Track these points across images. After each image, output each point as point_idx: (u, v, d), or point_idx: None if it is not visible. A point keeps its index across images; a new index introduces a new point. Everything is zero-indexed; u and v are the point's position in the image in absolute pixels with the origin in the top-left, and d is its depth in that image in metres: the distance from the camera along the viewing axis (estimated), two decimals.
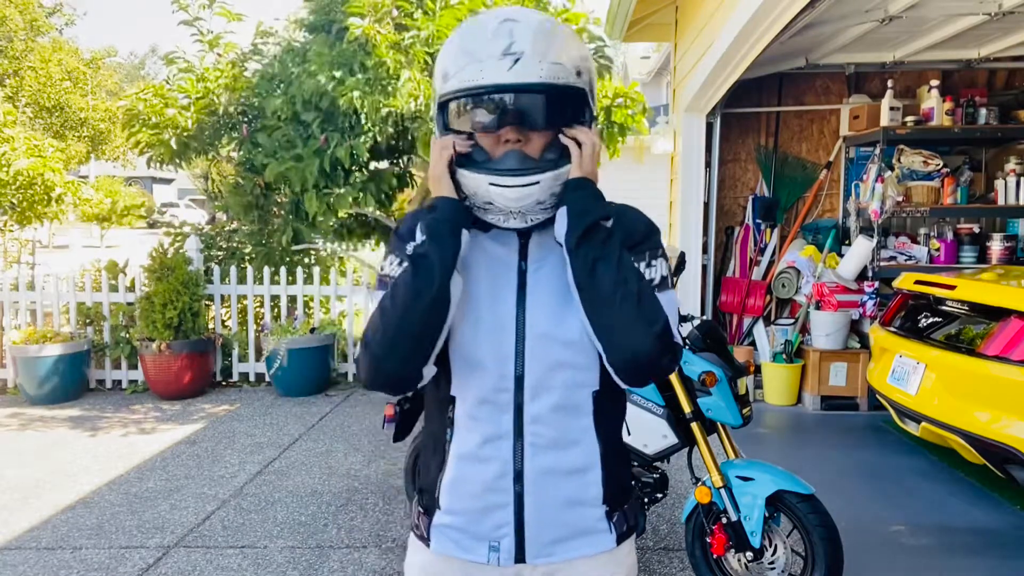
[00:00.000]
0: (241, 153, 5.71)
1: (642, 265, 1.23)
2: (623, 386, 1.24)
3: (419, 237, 1.20)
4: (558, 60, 1.17)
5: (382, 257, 1.30)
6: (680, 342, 1.22)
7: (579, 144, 1.21)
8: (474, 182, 1.20)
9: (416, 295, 1.15)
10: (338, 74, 4.94)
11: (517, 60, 1.14)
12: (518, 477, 1.23)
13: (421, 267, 1.16)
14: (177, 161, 5.80)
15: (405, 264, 1.20)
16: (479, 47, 1.17)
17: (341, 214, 5.37)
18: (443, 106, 1.24)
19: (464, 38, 1.20)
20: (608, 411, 1.27)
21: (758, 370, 5.93)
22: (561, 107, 1.21)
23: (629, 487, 1.36)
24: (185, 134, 5.55)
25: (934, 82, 5.78)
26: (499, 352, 1.22)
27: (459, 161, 1.22)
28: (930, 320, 4.14)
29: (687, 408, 2.77)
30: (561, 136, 1.22)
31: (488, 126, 1.20)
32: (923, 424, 3.88)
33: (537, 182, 1.18)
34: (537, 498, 1.23)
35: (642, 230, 1.28)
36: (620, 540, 1.31)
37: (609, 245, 1.18)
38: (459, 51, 1.19)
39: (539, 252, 1.26)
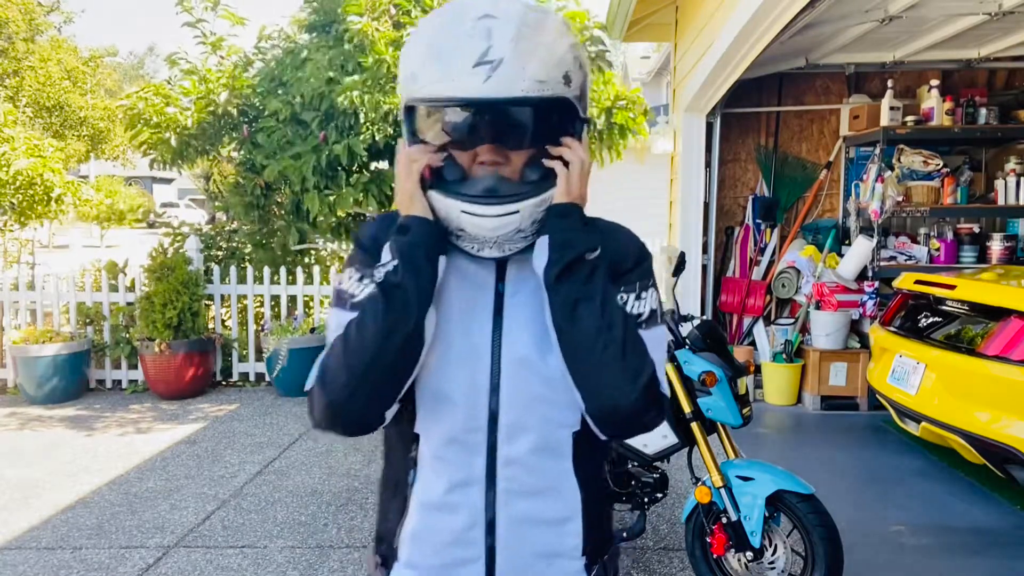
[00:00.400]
0: (242, 153, 5.72)
1: (631, 297, 1.10)
2: (602, 437, 1.10)
3: (387, 260, 1.05)
4: (544, 68, 1.01)
5: (345, 270, 1.13)
6: (667, 392, 1.10)
7: (565, 163, 1.07)
8: (445, 206, 1.06)
9: (388, 333, 1.00)
10: (332, 75, 4.95)
11: (495, 69, 0.98)
12: (490, 528, 1.08)
13: (395, 300, 1.01)
14: (179, 162, 5.80)
15: (372, 291, 1.04)
16: (451, 50, 1.00)
17: (340, 213, 5.38)
18: (411, 109, 1.08)
19: (435, 34, 1.04)
20: (590, 453, 1.13)
21: (758, 370, 5.93)
22: (546, 121, 1.06)
23: (610, 536, 1.23)
24: (186, 132, 5.56)
25: (934, 82, 5.78)
26: (471, 385, 1.07)
27: (428, 179, 1.07)
28: (930, 320, 4.14)
29: (687, 408, 2.77)
30: (545, 160, 1.08)
31: (460, 143, 1.05)
32: (923, 424, 3.89)
33: (516, 211, 1.03)
34: (510, 551, 1.09)
35: (633, 256, 1.14)
36: None
37: (593, 283, 1.04)
38: (428, 50, 1.03)
39: (519, 272, 1.11)
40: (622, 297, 1.09)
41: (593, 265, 1.06)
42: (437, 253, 1.06)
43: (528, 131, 1.05)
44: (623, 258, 1.13)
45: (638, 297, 1.10)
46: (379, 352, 1.01)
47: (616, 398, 1.03)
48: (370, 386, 1.02)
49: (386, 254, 1.07)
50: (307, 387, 1.07)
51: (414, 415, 1.09)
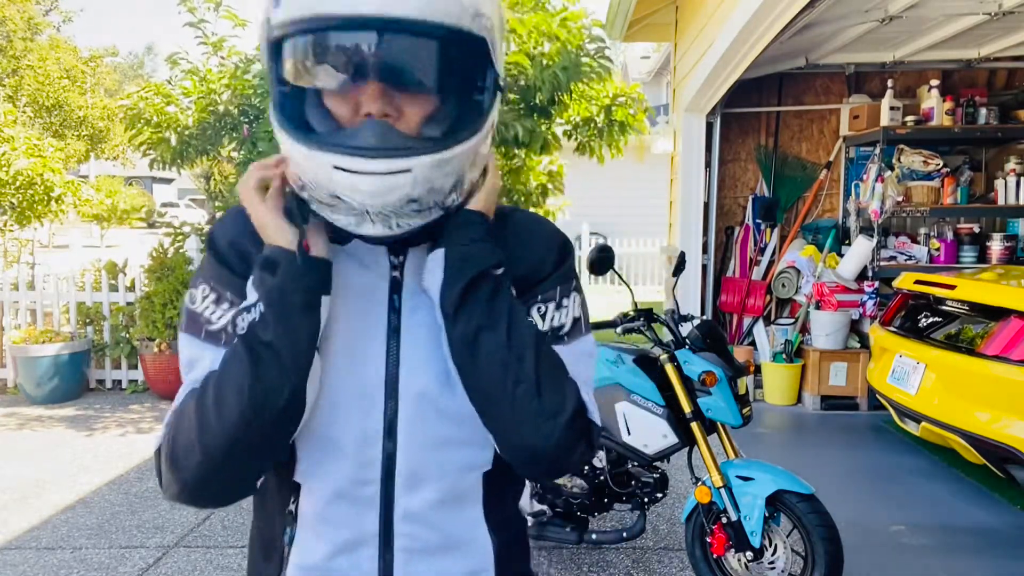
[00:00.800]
0: (242, 153, 5.71)
1: (549, 307, 0.92)
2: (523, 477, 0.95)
3: (251, 301, 0.83)
4: None
5: (194, 281, 0.91)
6: (597, 419, 0.91)
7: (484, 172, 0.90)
8: (313, 165, 0.80)
9: (256, 409, 0.79)
10: None
11: None
12: None
13: (264, 364, 0.79)
14: (179, 162, 5.80)
15: (234, 343, 0.82)
16: None
17: None
18: (276, 47, 0.82)
19: None
20: (504, 494, 0.96)
21: (758, 370, 5.93)
22: (450, 61, 0.81)
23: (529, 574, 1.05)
24: (186, 132, 5.55)
25: (934, 82, 5.78)
26: (362, 428, 0.86)
27: (292, 126, 0.82)
28: (930, 320, 4.14)
29: (687, 408, 2.77)
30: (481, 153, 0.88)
31: (337, 82, 0.81)
32: (923, 424, 3.88)
33: (407, 169, 0.79)
34: None
35: (552, 257, 0.95)
36: None
37: (496, 305, 0.85)
38: None
39: (420, 281, 0.90)
40: (540, 308, 0.92)
41: (497, 283, 0.86)
42: (319, 295, 0.83)
43: (427, 69, 0.81)
44: (541, 261, 0.94)
45: (559, 306, 0.92)
46: (244, 432, 0.79)
47: (534, 442, 0.85)
48: (232, 468, 0.82)
49: (251, 292, 0.83)
50: (155, 447, 0.86)
51: (294, 462, 0.88)
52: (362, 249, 0.91)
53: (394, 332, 0.89)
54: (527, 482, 1.04)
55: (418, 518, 0.88)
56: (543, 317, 0.92)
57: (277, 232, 0.84)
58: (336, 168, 0.78)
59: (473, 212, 0.89)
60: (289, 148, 0.83)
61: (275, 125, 0.84)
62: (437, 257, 0.87)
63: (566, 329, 0.92)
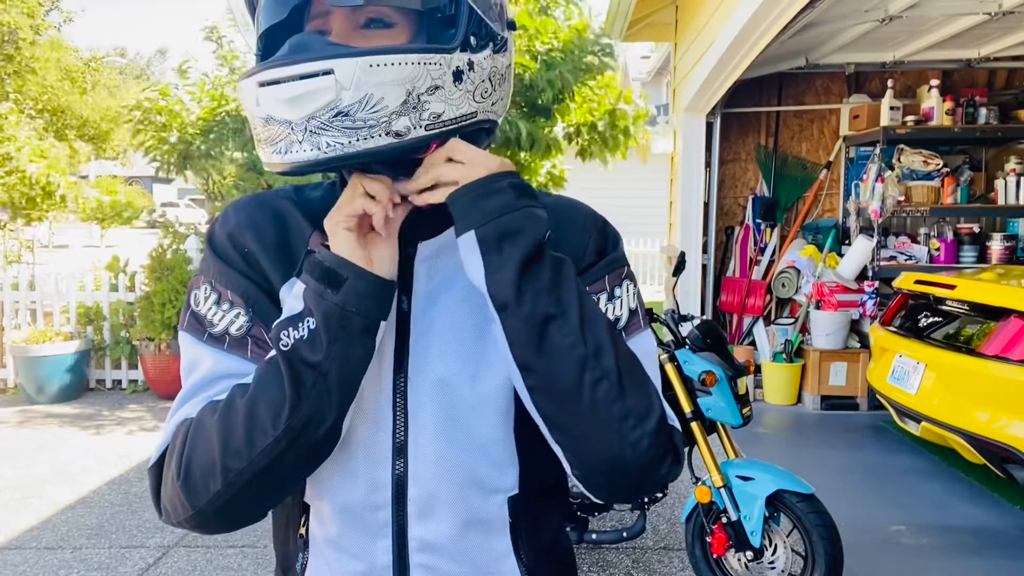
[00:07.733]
0: (243, 153, 5.72)
1: (602, 298, 0.80)
2: (596, 501, 0.85)
3: (294, 312, 0.73)
4: None
5: (196, 280, 0.83)
6: (678, 425, 0.79)
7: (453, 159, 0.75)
8: (246, 97, 0.74)
9: (292, 437, 0.70)
10: None
11: None
12: None
13: (308, 389, 0.70)
14: (184, 167, 5.83)
15: (270, 359, 0.73)
16: None
17: None
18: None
19: None
20: (538, 523, 0.84)
21: (758, 370, 5.93)
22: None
23: None
24: (190, 131, 5.57)
25: (934, 82, 5.78)
26: (370, 447, 0.78)
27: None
28: (930, 320, 4.14)
29: (687, 408, 2.77)
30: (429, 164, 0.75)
31: (283, 14, 0.76)
32: (923, 424, 3.88)
33: (329, 70, 0.68)
34: None
35: (595, 242, 0.83)
36: None
37: (563, 288, 0.71)
38: None
39: (432, 274, 0.81)
40: (604, 312, 0.80)
41: (558, 258, 0.73)
42: (379, 323, 0.73)
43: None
44: (581, 248, 0.82)
45: (611, 297, 0.81)
46: (274, 460, 0.71)
47: (619, 451, 0.72)
48: (253, 497, 0.73)
49: (292, 300, 0.74)
50: (153, 461, 0.77)
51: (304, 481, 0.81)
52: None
53: (402, 342, 0.79)
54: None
55: (436, 548, 0.79)
56: None
57: (352, 243, 0.73)
58: (260, 86, 0.70)
59: (491, 177, 0.72)
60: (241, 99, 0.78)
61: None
62: (468, 242, 0.72)
63: (622, 323, 0.80)
